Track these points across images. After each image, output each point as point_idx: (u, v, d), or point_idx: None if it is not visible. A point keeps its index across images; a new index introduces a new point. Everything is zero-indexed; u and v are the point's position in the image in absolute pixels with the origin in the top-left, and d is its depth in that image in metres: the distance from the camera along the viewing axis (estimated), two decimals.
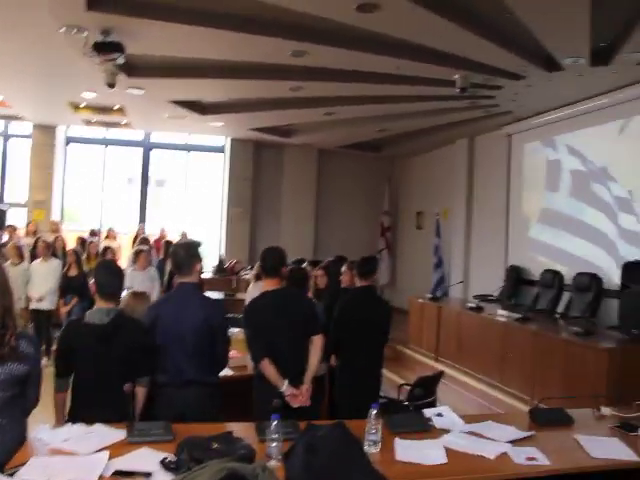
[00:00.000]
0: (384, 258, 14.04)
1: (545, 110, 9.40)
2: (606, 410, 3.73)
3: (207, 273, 11.52)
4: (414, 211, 13.85)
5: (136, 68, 8.10)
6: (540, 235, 9.78)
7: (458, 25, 6.05)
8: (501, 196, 10.70)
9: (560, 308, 8.59)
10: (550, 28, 6.15)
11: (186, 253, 3.74)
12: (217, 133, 12.83)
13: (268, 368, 3.78)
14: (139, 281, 7.56)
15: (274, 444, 2.70)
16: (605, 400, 4.33)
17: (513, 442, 3.12)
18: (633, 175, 7.94)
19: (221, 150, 13.78)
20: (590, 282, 8.18)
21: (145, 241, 10.71)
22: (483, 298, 9.52)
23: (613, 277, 7.88)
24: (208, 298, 3.82)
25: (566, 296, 8.64)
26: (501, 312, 7.79)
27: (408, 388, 4.78)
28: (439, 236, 11.70)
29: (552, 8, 5.60)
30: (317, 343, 3.95)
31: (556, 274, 8.96)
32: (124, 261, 10.13)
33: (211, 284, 10.29)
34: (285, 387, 3.73)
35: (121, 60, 6.86)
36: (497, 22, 6.20)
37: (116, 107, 10.57)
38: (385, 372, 5.47)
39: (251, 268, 9.82)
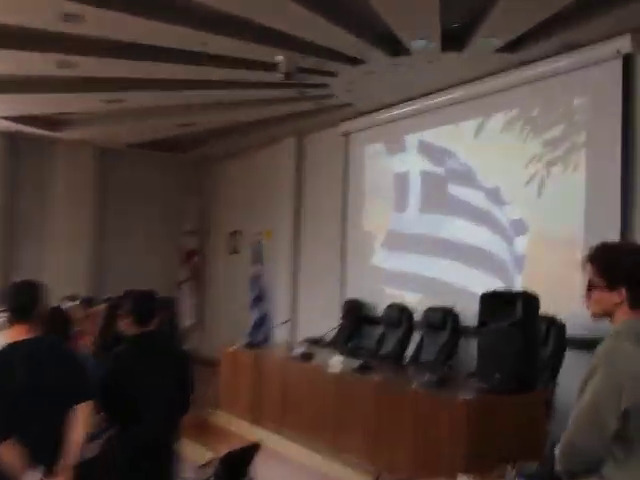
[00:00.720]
0: (188, 292, 13.87)
1: (390, 103, 9.63)
2: (464, 478, 3.79)
3: None
4: (228, 230, 13.80)
5: None
6: (386, 261, 9.98)
7: None
8: (336, 212, 10.83)
9: (410, 351, 8.73)
10: (394, 2, 6.33)
11: None
12: None
13: (8, 452, 3.48)
14: None
15: None
16: (464, 464, 4.48)
17: None
18: (497, 180, 8.34)
19: None
20: (444, 318, 8.42)
21: None
22: (314, 342, 9.47)
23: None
24: None
25: (417, 336, 8.81)
26: (336, 360, 7.78)
27: (214, 467, 4.62)
28: (260, 263, 11.60)
29: None
30: (81, 414, 3.74)
31: (404, 310, 9.14)
32: None
33: None
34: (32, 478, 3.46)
35: None
36: None
37: None
38: (186, 446, 5.27)
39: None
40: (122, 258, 13.22)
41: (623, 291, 2.80)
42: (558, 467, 2.80)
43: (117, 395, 4.22)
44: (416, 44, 7.32)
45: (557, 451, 2.80)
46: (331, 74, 8.38)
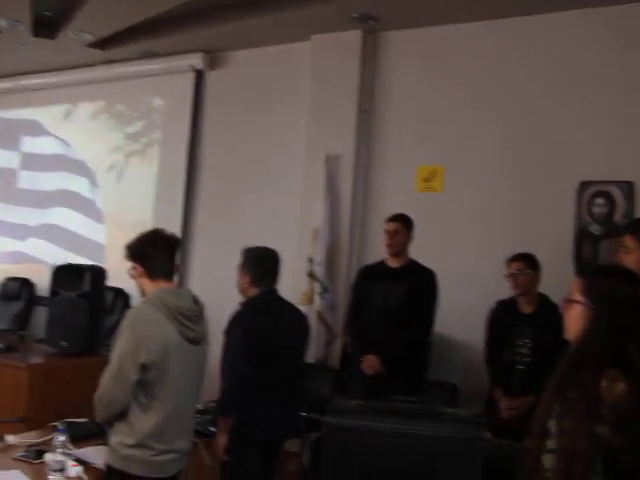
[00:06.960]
0: None
1: None
2: (12, 438, 3.88)
3: None
4: None
5: None
6: None
7: None
8: None
9: None
10: None
11: None
12: None
13: None
14: None
15: None
16: (24, 426, 4.58)
17: None
18: (81, 167, 8.60)
19: None
20: (20, 289, 8.44)
21: None
22: None
23: None
24: None
25: None
26: None
27: None
28: None
29: None
30: None
31: None
32: None
33: None
34: None
35: None
36: None
37: None
38: None
39: None
40: None
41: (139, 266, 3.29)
42: (96, 417, 3.20)
43: None
44: (4, 22, 7.12)
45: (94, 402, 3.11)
46: None
